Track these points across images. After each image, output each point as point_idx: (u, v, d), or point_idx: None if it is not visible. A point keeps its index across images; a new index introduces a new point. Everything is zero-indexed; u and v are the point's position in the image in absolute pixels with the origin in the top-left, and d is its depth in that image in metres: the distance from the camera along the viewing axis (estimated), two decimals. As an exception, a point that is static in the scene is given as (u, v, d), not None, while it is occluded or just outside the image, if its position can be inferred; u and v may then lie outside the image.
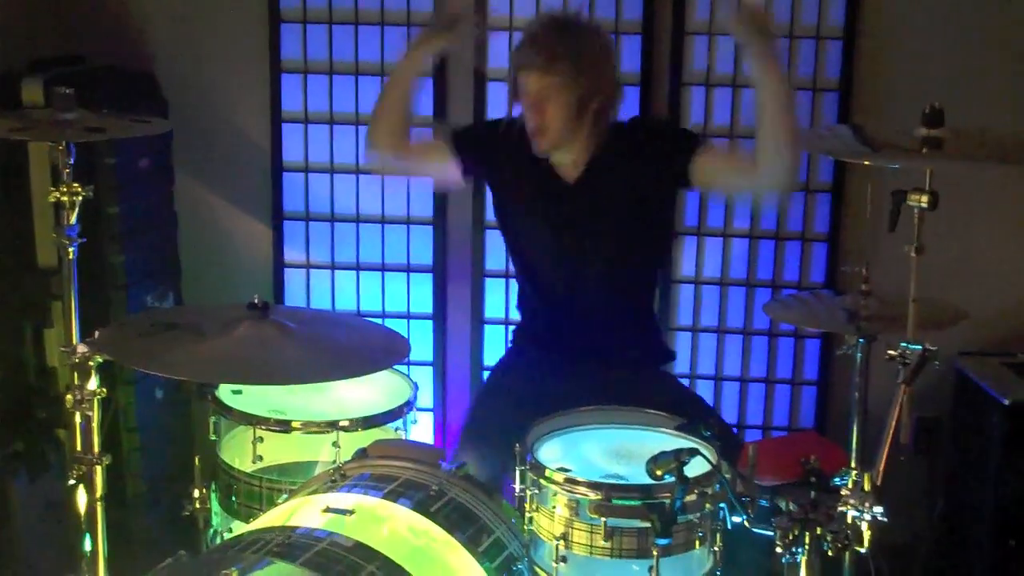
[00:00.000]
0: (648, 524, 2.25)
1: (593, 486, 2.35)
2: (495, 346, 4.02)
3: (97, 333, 2.51)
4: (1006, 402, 3.42)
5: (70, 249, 2.59)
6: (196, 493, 3.02)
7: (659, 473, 2.24)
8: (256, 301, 2.46)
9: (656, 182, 3.11)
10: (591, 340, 3.18)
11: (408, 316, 4.08)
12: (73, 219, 2.57)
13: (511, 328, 3.78)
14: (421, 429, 3.57)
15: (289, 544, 2.28)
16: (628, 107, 3.24)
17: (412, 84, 3.21)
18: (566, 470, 2.41)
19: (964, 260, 3.85)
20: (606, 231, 3.17)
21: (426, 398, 4.05)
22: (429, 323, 4.08)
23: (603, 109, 3.08)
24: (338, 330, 2.80)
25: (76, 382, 2.52)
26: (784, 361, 4.00)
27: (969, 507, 3.65)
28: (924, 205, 2.31)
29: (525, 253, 3.30)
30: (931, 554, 3.68)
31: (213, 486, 3.05)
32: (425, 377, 4.06)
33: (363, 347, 2.68)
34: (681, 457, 2.21)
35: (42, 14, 3.85)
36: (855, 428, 2.60)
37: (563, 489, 2.37)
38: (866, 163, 2.92)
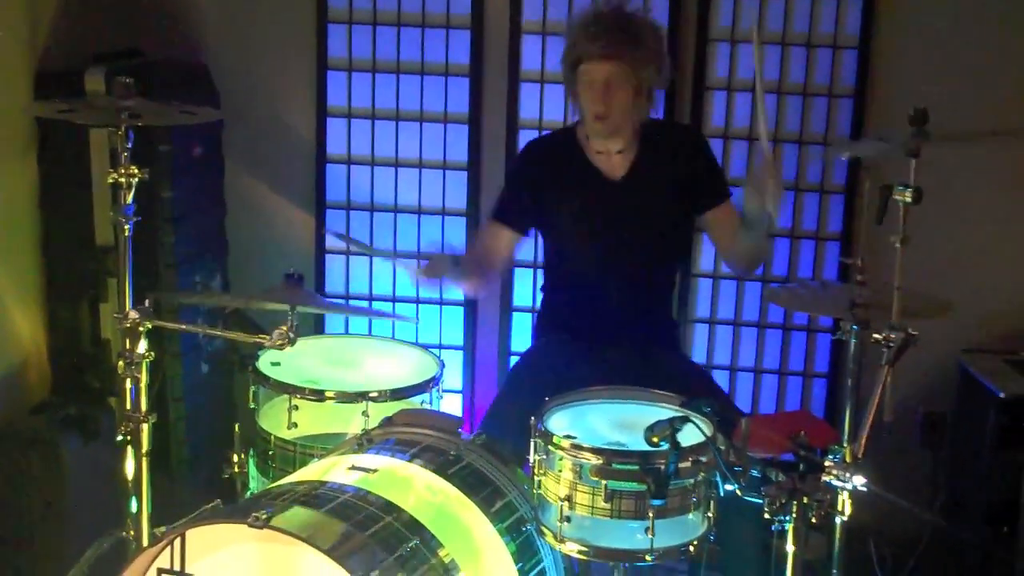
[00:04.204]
0: (645, 487, 2.42)
1: (595, 451, 2.50)
2: (522, 332, 4.16)
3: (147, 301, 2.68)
4: (1002, 395, 3.49)
5: (126, 227, 2.69)
6: (235, 458, 3.20)
7: (655, 440, 2.40)
8: (292, 272, 2.67)
9: (686, 201, 3.31)
10: (613, 326, 3.28)
11: (441, 303, 4.22)
12: (129, 199, 2.65)
13: (534, 315, 3.94)
14: (450, 409, 3.72)
15: (316, 495, 2.44)
16: (654, 112, 3.35)
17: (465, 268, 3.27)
18: (572, 437, 2.56)
19: (976, 259, 3.96)
20: (645, 226, 3.30)
21: (456, 381, 4.21)
22: (461, 309, 4.22)
23: (653, 94, 3.22)
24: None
25: (127, 347, 2.64)
26: (796, 354, 4.10)
27: (967, 496, 3.73)
28: (908, 200, 2.45)
29: (562, 244, 3.41)
30: (931, 542, 3.74)
31: (251, 451, 3.20)
32: (456, 360, 4.20)
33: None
34: (674, 424, 2.39)
35: (105, 11, 3.97)
36: (848, 409, 2.74)
37: (568, 454, 2.51)
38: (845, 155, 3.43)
